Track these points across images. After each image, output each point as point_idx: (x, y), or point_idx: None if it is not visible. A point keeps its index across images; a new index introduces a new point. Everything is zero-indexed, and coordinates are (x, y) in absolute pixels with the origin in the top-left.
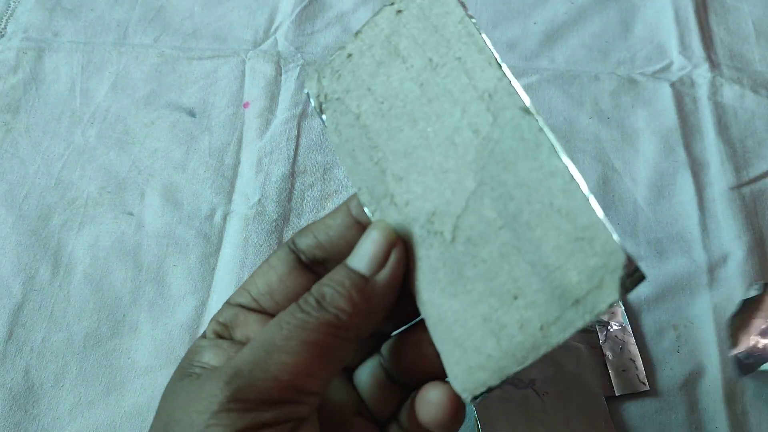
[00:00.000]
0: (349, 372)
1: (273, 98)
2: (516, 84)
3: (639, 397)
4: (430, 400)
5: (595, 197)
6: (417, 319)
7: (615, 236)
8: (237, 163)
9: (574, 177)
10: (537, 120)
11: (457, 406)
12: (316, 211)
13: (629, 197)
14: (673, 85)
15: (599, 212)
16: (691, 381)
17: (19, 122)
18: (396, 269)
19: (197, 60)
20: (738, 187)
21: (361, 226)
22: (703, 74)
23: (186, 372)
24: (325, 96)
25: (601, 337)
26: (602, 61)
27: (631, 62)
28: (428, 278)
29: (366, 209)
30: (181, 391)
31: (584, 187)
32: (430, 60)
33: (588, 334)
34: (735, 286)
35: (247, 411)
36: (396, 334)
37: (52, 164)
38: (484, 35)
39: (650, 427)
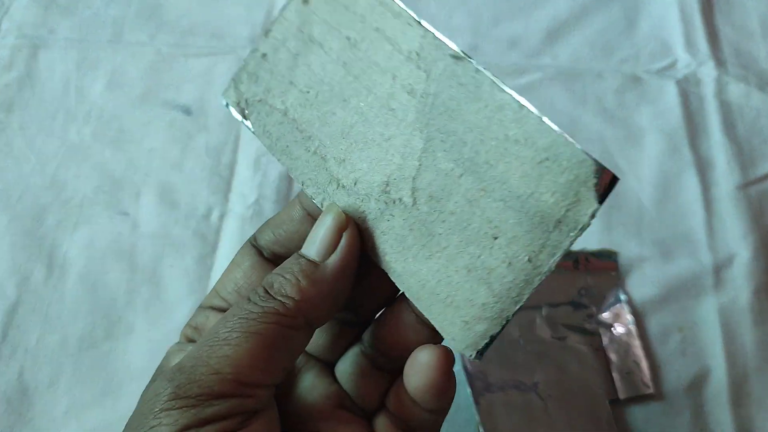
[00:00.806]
0: (329, 365)
1: None
2: (440, 36)
3: (643, 400)
4: (420, 362)
5: None
6: (397, 296)
7: (578, 146)
8: (234, 163)
9: (523, 104)
10: (471, 62)
11: (449, 365)
12: None
13: (634, 197)
14: (678, 82)
15: (556, 128)
16: (697, 384)
17: (13, 120)
18: (347, 252)
19: (194, 57)
20: (744, 186)
21: (313, 219)
22: (708, 72)
23: (156, 377)
24: (246, 101)
25: (605, 340)
26: (606, 58)
27: (635, 60)
28: (397, 248)
29: (314, 200)
30: (141, 398)
31: (534, 110)
32: (348, 38)
33: (592, 336)
34: (741, 288)
35: (190, 407)
36: (376, 319)
37: (46, 163)
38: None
39: (655, 430)
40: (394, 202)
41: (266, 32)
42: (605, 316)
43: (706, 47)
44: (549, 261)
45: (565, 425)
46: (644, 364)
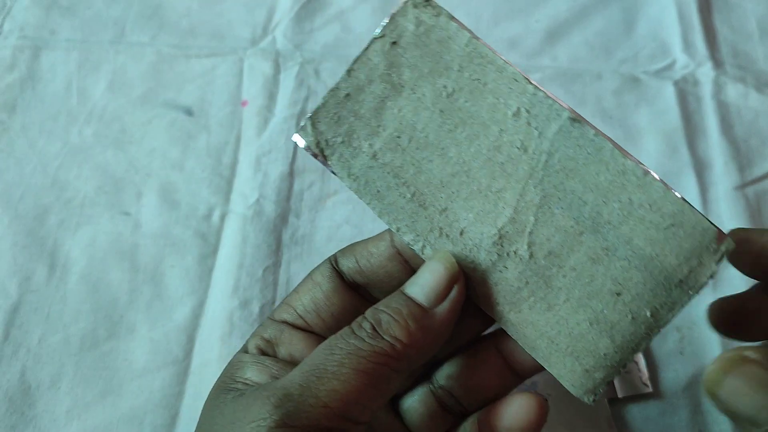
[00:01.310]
0: (390, 400)
1: (271, 97)
2: (552, 95)
3: (642, 399)
4: (520, 406)
5: None
6: (478, 340)
7: (701, 214)
8: (235, 163)
9: (646, 170)
10: (588, 128)
11: (545, 408)
12: (315, 211)
13: None
14: (676, 83)
15: (679, 196)
16: (695, 383)
17: (15, 121)
18: (456, 304)
19: (195, 58)
20: (742, 186)
21: (403, 259)
22: (706, 73)
23: (228, 387)
24: (326, 141)
25: None
26: (605, 59)
27: (634, 60)
28: (511, 299)
29: (413, 247)
30: (225, 408)
31: (657, 176)
32: (444, 87)
33: None
34: (739, 287)
35: None
36: (454, 360)
37: (48, 164)
38: (499, 54)
39: (653, 429)
40: (507, 255)
41: (348, 71)
42: None
43: (704, 48)
44: (668, 315)
45: (564, 424)
46: (643, 364)
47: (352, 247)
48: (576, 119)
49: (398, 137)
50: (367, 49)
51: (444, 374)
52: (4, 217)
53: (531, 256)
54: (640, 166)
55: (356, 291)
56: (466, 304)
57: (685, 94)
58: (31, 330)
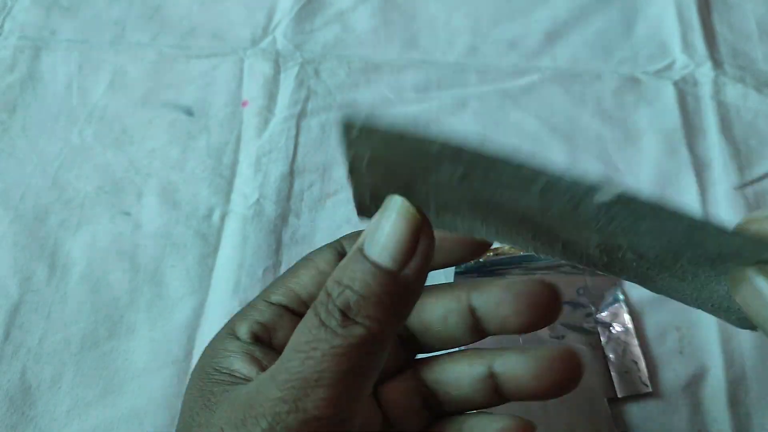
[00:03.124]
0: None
1: (272, 97)
2: None
3: (641, 399)
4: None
5: None
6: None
7: None
8: (235, 163)
9: None
10: None
11: None
12: (315, 211)
13: None
14: (675, 83)
15: None
16: (695, 382)
17: (15, 121)
18: (426, 258)
19: (195, 58)
20: (741, 187)
21: None
22: (706, 73)
23: (213, 378)
24: None
25: (604, 339)
26: (604, 59)
27: (633, 61)
28: None
29: None
30: (209, 408)
31: None
32: None
33: (590, 335)
34: None
35: None
36: (442, 363)
37: (48, 164)
38: None
39: (653, 429)
40: None
41: None
42: (603, 315)
43: (704, 48)
44: None
45: (563, 423)
46: (642, 363)
47: (360, 233)
48: None
49: None
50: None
51: (431, 376)
52: (5, 217)
53: None
54: None
55: None
56: None
57: (685, 94)
58: (32, 330)
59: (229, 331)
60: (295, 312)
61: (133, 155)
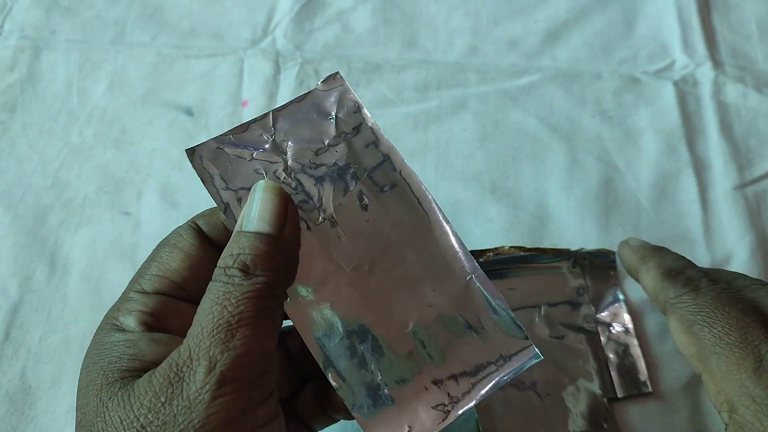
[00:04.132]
0: (287, 408)
1: (272, 97)
2: None
3: (641, 399)
4: None
5: (598, 197)
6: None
7: None
8: None
9: None
10: None
11: None
12: None
13: (632, 197)
14: (675, 84)
15: None
16: (694, 383)
17: (15, 121)
18: (296, 222)
19: (195, 58)
20: (741, 187)
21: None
22: (706, 73)
23: (122, 375)
24: None
25: (604, 339)
26: (604, 59)
27: (633, 61)
28: None
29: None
30: (126, 394)
31: None
32: None
33: (590, 335)
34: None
35: (239, 391)
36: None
37: (48, 164)
38: None
39: (653, 429)
40: None
41: None
42: (603, 315)
43: (704, 48)
44: None
45: (563, 423)
46: (642, 363)
47: (209, 210)
48: None
49: None
50: None
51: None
52: (5, 217)
53: None
54: None
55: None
56: None
57: (685, 94)
58: (32, 330)
59: (114, 328)
60: (175, 296)
61: (133, 155)
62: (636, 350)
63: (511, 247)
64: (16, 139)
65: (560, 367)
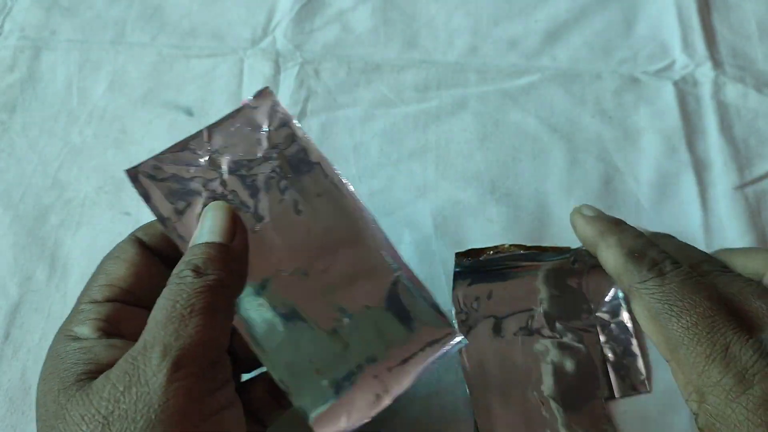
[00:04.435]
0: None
1: None
2: None
3: (640, 399)
4: None
5: (598, 197)
6: None
7: None
8: None
9: None
10: None
11: None
12: None
13: (632, 197)
14: (675, 83)
15: None
16: None
17: (15, 121)
18: (244, 234)
19: (195, 58)
20: (741, 186)
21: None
22: (706, 73)
23: (80, 376)
24: None
25: (602, 338)
26: (604, 59)
27: (633, 61)
28: None
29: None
30: (92, 391)
31: None
32: None
33: (589, 334)
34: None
35: (194, 376)
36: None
37: (48, 164)
38: None
39: (651, 428)
40: None
41: None
42: (603, 314)
43: (704, 48)
44: None
45: (561, 423)
46: (641, 363)
47: (149, 223)
48: None
49: None
50: None
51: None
52: (5, 217)
53: None
54: None
55: (168, 264)
56: None
57: (685, 94)
58: (32, 330)
59: (69, 337)
60: (125, 302)
61: (133, 155)
62: (635, 349)
63: (511, 245)
64: (16, 139)
65: (558, 366)
